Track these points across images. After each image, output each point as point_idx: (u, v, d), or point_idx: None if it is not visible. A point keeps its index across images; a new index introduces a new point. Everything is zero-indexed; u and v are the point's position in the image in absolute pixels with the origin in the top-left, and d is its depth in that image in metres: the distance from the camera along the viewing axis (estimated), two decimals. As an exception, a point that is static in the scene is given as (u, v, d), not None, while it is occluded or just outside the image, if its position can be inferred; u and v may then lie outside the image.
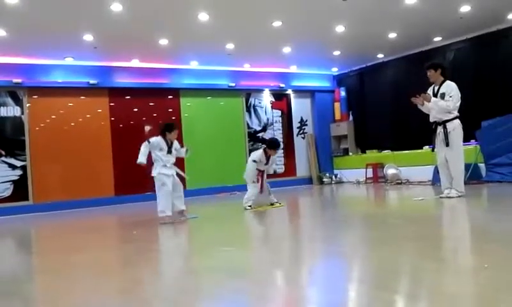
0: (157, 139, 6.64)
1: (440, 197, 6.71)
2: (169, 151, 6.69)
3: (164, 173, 6.56)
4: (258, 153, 7.55)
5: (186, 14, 8.08)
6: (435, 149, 6.88)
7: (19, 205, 9.93)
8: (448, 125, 6.56)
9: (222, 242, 4.66)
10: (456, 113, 6.58)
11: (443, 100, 6.53)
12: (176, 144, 6.83)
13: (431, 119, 6.79)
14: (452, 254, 3.43)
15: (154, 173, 6.58)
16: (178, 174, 6.88)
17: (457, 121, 6.59)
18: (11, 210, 9.75)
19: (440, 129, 6.65)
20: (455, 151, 6.56)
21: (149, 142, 6.60)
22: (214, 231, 5.70)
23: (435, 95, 6.71)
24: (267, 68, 12.79)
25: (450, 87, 6.57)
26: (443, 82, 6.68)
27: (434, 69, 6.74)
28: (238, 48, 10.52)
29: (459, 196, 6.53)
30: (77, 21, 8.03)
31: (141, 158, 6.49)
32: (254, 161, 7.50)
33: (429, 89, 6.88)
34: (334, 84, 14.13)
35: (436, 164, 7.13)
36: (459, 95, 6.58)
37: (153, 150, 6.60)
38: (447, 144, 6.56)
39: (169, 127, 6.74)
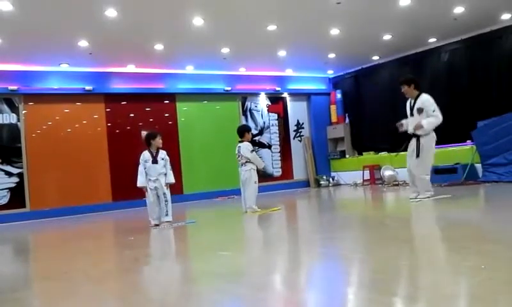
0: (143, 154, 6.86)
1: (410, 200, 6.75)
2: (155, 161, 6.79)
3: (148, 185, 6.76)
4: (248, 144, 7.56)
5: (181, 19, 8.10)
6: (407, 154, 6.87)
7: (16, 212, 9.90)
8: (421, 138, 6.59)
9: (220, 247, 4.66)
10: None
11: (430, 117, 6.53)
12: (163, 154, 6.87)
13: (409, 132, 6.81)
14: (449, 255, 3.44)
15: (139, 184, 6.79)
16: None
17: (432, 134, 6.63)
18: (8, 217, 9.72)
19: (413, 141, 6.69)
20: (422, 164, 6.59)
21: (140, 160, 6.84)
22: (212, 236, 5.70)
23: (411, 109, 6.76)
24: (262, 71, 12.81)
25: (429, 102, 6.60)
26: (418, 96, 6.72)
27: (408, 84, 6.76)
28: (233, 53, 10.54)
29: (428, 197, 6.58)
30: (72, 27, 8.03)
31: (140, 181, 6.77)
32: (252, 150, 7.53)
33: (407, 103, 6.92)
34: (330, 87, 14.16)
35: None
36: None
37: (143, 164, 6.80)
38: (418, 155, 6.59)
39: (153, 135, 6.89)
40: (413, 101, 6.77)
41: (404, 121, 6.96)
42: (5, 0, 6.62)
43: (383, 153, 12.12)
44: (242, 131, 7.69)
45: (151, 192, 6.75)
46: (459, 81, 10.60)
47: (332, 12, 8.43)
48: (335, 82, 14.10)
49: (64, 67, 10.36)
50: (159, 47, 9.57)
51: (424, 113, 6.57)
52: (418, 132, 6.57)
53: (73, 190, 10.54)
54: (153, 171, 6.76)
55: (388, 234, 4.52)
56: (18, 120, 10.20)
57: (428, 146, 6.60)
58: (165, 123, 11.74)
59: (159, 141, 6.86)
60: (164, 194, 6.75)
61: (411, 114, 6.78)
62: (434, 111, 6.53)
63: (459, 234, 4.38)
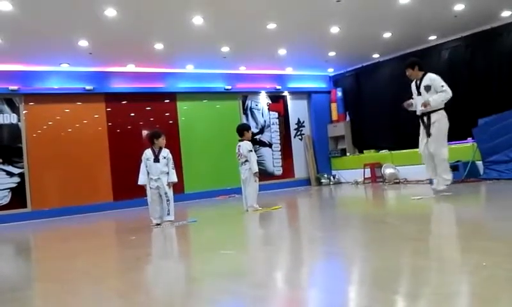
0: (145, 152, 6.85)
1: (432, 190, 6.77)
2: (156, 160, 6.76)
3: (149, 184, 6.76)
4: (248, 143, 7.53)
5: (181, 18, 8.09)
6: (419, 138, 6.90)
7: (17, 213, 9.91)
8: (432, 115, 6.61)
9: (222, 246, 4.66)
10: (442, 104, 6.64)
11: (440, 92, 6.55)
12: (165, 152, 6.85)
13: (418, 113, 6.83)
14: (450, 252, 3.44)
15: (140, 182, 6.80)
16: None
17: (442, 112, 6.63)
18: (9, 217, 9.73)
19: (425, 119, 6.71)
20: (436, 139, 6.59)
21: (142, 158, 6.84)
22: (214, 235, 5.70)
23: (418, 88, 6.79)
24: (263, 70, 12.80)
25: (437, 80, 6.64)
26: (423, 75, 6.76)
27: (412, 67, 6.82)
28: (233, 51, 10.53)
29: (446, 185, 6.56)
30: (72, 27, 8.03)
31: (141, 180, 6.78)
32: (250, 150, 7.49)
33: (412, 84, 6.94)
34: (330, 85, 14.16)
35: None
36: None
37: (145, 162, 6.80)
38: (429, 135, 6.61)
39: (157, 134, 6.89)
40: (418, 81, 6.78)
41: (412, 100, 6.95)
42: (5, 0, 6.62)
43: (383, 151, 12.11)
44: (242, 130, 7.67)
45: (153, 191, 6.74)
46: (460, 79, 10.57)
47: (332, 10, 8.42)
48: (336, 80, 14.09)
49: (65, 67, 10.37)
50: (159, 46, 9.57)
51: (432, 90, 6.60)
52: (427, 109, 6.58)
53: (74, 190, 10.55)
54: (154, 170, 6.74)
55: (389, 232, 4.51)
56: (19, 120, 10.21)
57: (439, 122, 6.59)
58: (165, 122, 11.74)
59: (162, 142, 6.87)
60: (166, 193, 6.73)
61: (419, 93, 6.78)
62: (443, 87, 6.56)
63: (461, 231, 4.38)
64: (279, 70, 13.04)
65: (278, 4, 7.96)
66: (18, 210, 9.96)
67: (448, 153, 6.76)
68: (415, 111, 6.94)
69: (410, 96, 7.07)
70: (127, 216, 9.25)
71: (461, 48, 10.75)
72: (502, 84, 9.94)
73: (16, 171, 10.05)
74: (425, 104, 6.58)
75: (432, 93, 6.61)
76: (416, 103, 6.85)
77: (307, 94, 13.89)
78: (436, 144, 6.61)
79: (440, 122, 6.60)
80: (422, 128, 6.82)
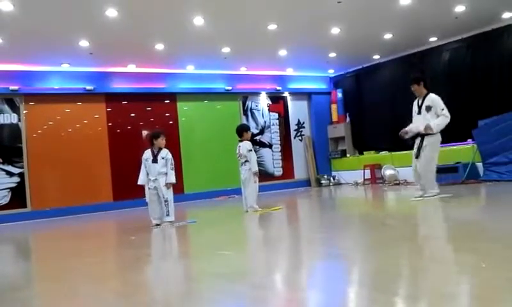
0: (145, 152, 6.88)
1: (412, 199, 6.76)
2: (155, 161, 6.76)
3: (148, 185, 6.78)
4: (248, 143, 7.53)
5: (181, 18, 8.10)
6: (412, 153, 6.87)
7: (17, 212, 9.91)
8: (426, 138, 6.56)
9: (221, 246, 4.66)
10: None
11: (440, 117, 6.51)
12: (164, 153, 6.84)
13: (415, 131, 6.75)
14: (450, 254, 3.44)
15: (139, 182, 6.84)
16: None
17: (437, 136, 6.58)
18: (9, 217, 9.73)
19: (417, 141, 6.68)
20: (425, 162, 6.56)
21: (142, 159, 6.87)
22: (213, 235, 5.70)
23: (419, 107, 6.75)
24: (263, 71, 12.81)
25: (437, 101, 6.59)
26: (426, 94, 6.71)
27: (417, 83, 6.73)
28: (234, 52, 10.53)
29: (434, 195, 6.55)
30: (73, 27, 8.04)
31: (140, 180, 6.82)
32: (250, 150, 7.49)
33: (414, 102, 6.89)
34: (330, 86, 14.16)
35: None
36: None
37: (144, 163, 6.83)
38: (417, 156, 6.60)
39: (156, 134, 6.90)
40: (421, 100, 6.76)
41: (408, 128, 6.90)
42: (6, 0, 6.63)
43: (383, 152, 12.11)
44: (241, 130, 7.67)
45: (151, 192, 6.74)
46: (460, 80, 10.59)
47: (333, 11, 8.42)
48: (336, 81, 14.09)
49: (65, 67, 10.37)
50: (159, 46, 9.57)
51: (433, 111, 6.58)
52: (428, 132, 6.56)
53: (74, 190, 10.55)
54: (152, 171, 6.73)
55: (388, 233, 4.51)
56: (19, 120, 10.21)
57: (432, 146, 6.56)
58: (166, 122, 11.74)
59: (161, 142, 6.85)
60: (163, 194, 6.72)
61: (419, 112, 6.76)
62: (443, 110, 6.52)
63: (460, 233, 4.38)
64: (279, 71, 13.05)
65: (278, 5, 7.96)
66: (18, 209, 9.96)
67: (435, 168, 6.69)
68: (409, 134, 6.85)
69: (410, 101, 7.04)
70: (126, 216, 9.24)
71: (461, 50, 10.76)
72: (502, 85, 9.94)
73: (16, 170, 10.05)
74: (426, 129, 6.55)
75: (432, 114, 6.58)
76: (413, 125, 6.78)
77: (307, 95, 13.89)
78: (424, 167, 6.59)
79: (432, 146, 6.56)
80: (416, 143, 6.76)
